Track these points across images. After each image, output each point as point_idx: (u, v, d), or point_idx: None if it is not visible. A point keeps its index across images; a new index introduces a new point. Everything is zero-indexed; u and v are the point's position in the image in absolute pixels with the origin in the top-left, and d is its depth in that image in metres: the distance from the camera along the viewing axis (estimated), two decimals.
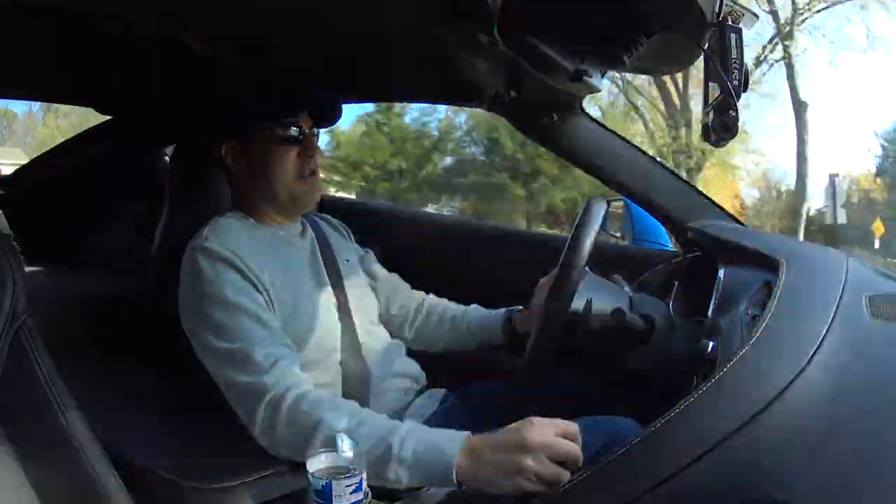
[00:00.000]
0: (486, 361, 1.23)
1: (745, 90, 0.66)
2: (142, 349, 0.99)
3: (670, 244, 1.58)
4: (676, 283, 1.06)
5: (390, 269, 1.18)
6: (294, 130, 0.94)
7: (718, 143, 0.71)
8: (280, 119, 0.94)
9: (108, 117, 1.49)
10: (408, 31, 0.94)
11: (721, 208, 1.19)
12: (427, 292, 1.18)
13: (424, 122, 10.76)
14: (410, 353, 1.07)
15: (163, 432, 0.85)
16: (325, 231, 1.09)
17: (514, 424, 0.70)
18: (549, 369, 0.87)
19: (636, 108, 10.86)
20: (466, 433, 0.72)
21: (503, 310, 1.10)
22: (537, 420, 0.69)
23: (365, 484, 0.65)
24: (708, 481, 0.52)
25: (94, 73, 1.15)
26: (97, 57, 1.05)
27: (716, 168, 10.30)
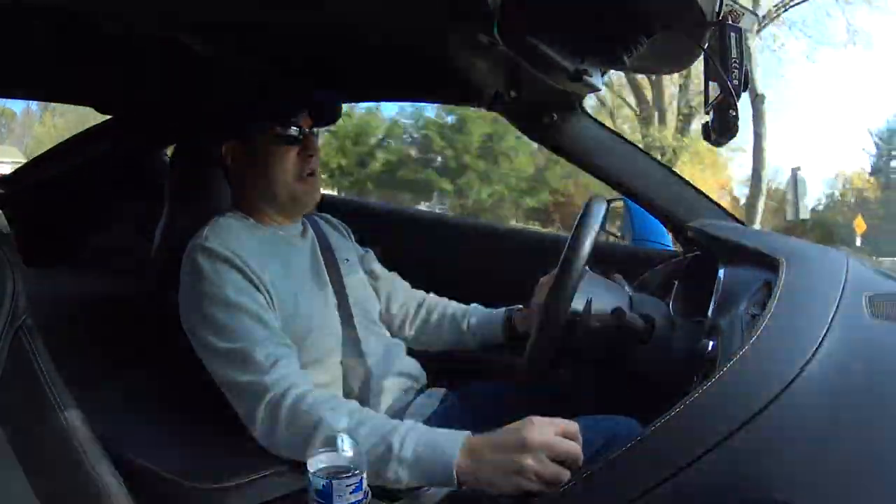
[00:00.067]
0: (486, 361, 1.23)
1: (745, 90, 0.66)
2: (142, 349, 0.99)
3: (670, 244, 1.58)
4: (676, 282, 1.06)
5: (390, 269, 1.18)
6: (294, 130, 0.94)
7: (719, 142, 0.71)
8: (280, 119, 0.94)
9: (108, 117, 1.49)
10: (408, 30, 0.94)
11: (721, 208, 1.19)
12: (427, 292, 1.18)
13: (368, 122, 11.25)
14: (410, 353, 1.07)
15: (163, 432, 0.85)
16: (325, 231, 1.09)
17: (513, 424, 0.70)
18: (548, 369, 0.87)
19: (603, 104, 11.03)
20: (466, 433, 0.72)
21: (503, 309, 1.10)
22: (537, 419, 0.69)
23: (365, 483, 0.65)
24: (708, 481, 0.52)
25: (94, 73, 1.15)
26: (97, 57, 1.05)
27: (688, 165, 10.47)
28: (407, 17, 0.88)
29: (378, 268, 1.16)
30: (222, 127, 0.97)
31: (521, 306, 1.08)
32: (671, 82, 10.55)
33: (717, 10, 0.64)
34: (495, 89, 1.12)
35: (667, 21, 0.67)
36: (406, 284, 1.18)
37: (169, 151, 1.45)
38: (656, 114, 11.24)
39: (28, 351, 0.66)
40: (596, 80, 0.67)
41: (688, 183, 1.20)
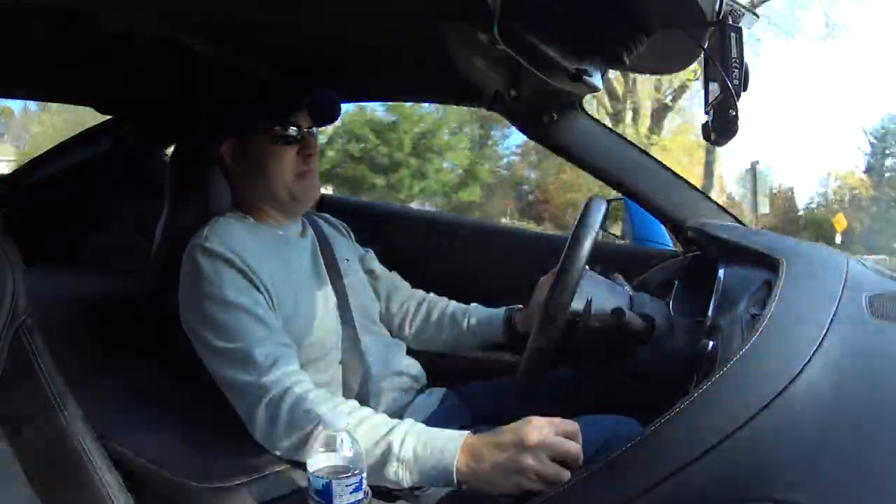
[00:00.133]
0: (487, 360, 1.23)
1: (745, 89, 0.66)
2: (142, 349, 0.99)
3: (670, 243, 1.59)
4: (676, 282, 1.06)
5: (390, 268, 1.18)
6: (293, 130, 0.95)
7: (719, 142, 0.71)
8: (279, 119, 0.94)
9: (107, 117, 1.49)
10: (408, 30, 0.94)
11: (722, 208, 1.19)
12: (427, 291, 1.18)
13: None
14: (410, 352, 1.07)
15: (163, 432, 0.85)
16: (325, 230, 1.09)
17: (513, 424, 0.70)
18: (548, 369, 0.87)
19: None
20: (466, 432, 0.72)
21: (503, 309, 1.10)
22: (537, 419, 0.69)
23: (365, 483, 0.65)
24: (708, 480, 0.52)
25: (94, 73, 1.15)
26: (97, 57, 1.05)
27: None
28: (406, 17, 0.88)
29: (378, 267, 1.16)
30: (222, 127, 0.97)
31: (521, 306, 1.08)
32: (645, 78, 10.66)
33: (717, 9, 0.64)
34: (495, 89, 1.12)
35: (667, 20, 0.67)
36: (406, 284, 1.18)
37: (169, 151, 1.45)
38: (630, 112, 11.39)
39: (28, 351, 0.66)
40: (596, 79, 0.67)
41: (688, 183, 1.20)
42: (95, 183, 1.53)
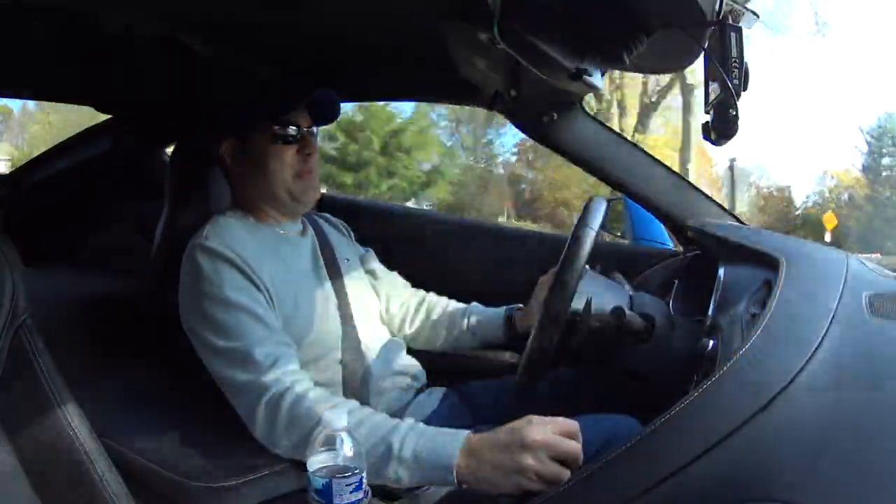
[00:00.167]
0: (486, 360, 1.23)
1: (745, 89, 0.66)
2: (142, 349, 0.99)
3: (670, 243, 1.59)
4: (677, 281, 1.06)
5: (390, 268, 1.18)
6: (292, 129, 0.95)
7: (719, 142, 0.71)
8: (278, 118, 0.94)
9: (106, 116, 1.49)
10: (408, 29, 0.94)
11: (722, 207, 1.19)
12: (427, 291, 1.18)
13: None
14: (410, 352, 1.07)
15: (163, 431, 0.85)
16: (325, 230, 1.09)
17: (513, 423, 0.70)
18: (548, 368, 0.86)
19: None
20: (466, 432, 0.72)
21: (503, 308, 1.10)
22: (537, 418, 0.69)
23: (365, 483, 0.65)
24: (708, 480, 0.52)
25: (95, 72, 1.15)
26: (97, 57, 1.05)
27: None
28: (406, 17, 0.88)
29: (378, 267, 1.16)
30: (222, 126, 0.97)
31: (520, 305, 1.08)
32: (630, 79, 10.78)
33: (717, 9, 0.64)
34: (495, 89, 1.12)
35: (667, 20, 0.67)
36: (406, 284, 1.18)
37: (169, 151, 1.45)
38: (617, 110, 11.48)
39: (28, 350, 0.66)
40: (596, 79, 0.67)
41: (688, 182, 1.20)
42: (95, 183, 1.53)
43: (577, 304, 0.83)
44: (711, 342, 0.76)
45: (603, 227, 0.88)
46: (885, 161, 14.18)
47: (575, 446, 0.67)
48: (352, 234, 1.18)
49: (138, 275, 1.10)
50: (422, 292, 1.17)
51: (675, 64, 0.82)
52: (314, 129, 0.99)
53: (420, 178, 12.58)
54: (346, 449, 0.64)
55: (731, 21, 0.65)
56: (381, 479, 0.72)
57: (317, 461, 0.64)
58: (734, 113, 0.66)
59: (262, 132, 0.94)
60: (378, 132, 11.76)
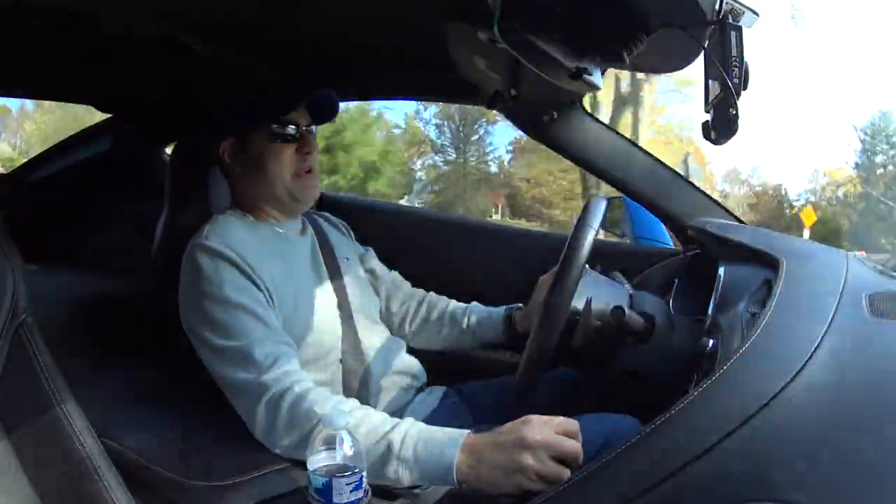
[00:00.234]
0: (486, 359, 1.23)
1: (745, 88, 0.66)
2: (142, 348, 0.99)
3: (670, 242, 1.58)
4: (676, 280, 1.06)
5: (390, 267, 1.18)
6: (291, 128, 0.95)
7: (719, 141, 0.71)
8: (278, 117, 0.94)
9: (104, 115, 1.49)
10: (408, 29, 0.94)
11: (721, 206, 1.19)
12: (427, 290, 1.18)
13: None
14: (410, 351, 1.07)
15: (163, 430, 0.85)
16: (325, 229, 1.09)
17: (513, 422, 0.70)
18: (548, 368, 0.86)
19: None
20: (466, 432, 0.72)
21: (503, 308, 1.10)
22: (536, 418, 0.69)
23: (365, 482, 0.65)
24: (708, 479, 0.52)
25: (95, 72, 1.16)
26: (97, 57, 1.05)
27: None
28: (406, 17, 0.88)
29: (378, 266, 1.16)
30: (221, 126, 0.97)
31: (520, 305, 1.08)
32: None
33: (717, 8, 0.64)
34: (495, 88, 1.12)
35: (667, 19, 0.67)
36: (406, 283, 1.18)
37: (168, 150, 1.45)
38: (589, 105, 11.62)
39: (28, 349, 0.67)
40: (596, 78, 0.67)
41: (688, 181, 1.20)
42: (95, 183, 1.53)
43: (577, 303, 0.83)
44: (711, 341, 0.76)
45: (603, 225, 0.88)
46: (879, 159, 14.18)
47: (575, 446, 0.67)
48: (352, 234, 1.18)
49: (138, 275, 1.10)
50: (422, 291, 1.17)
51: (675, 63, 0.82)
52: (313, 127, 0.99)
53: (359, 174, 13.19)
54: (346, 448, 0.64)
55: (731, 20, 0.65)
56: (381, 479, 0.72)
57: (317, 460, 0.64)
58: (734, 112, 0.66)
59: (262, 131, 0.94)
60: (321, 130, 12.21)
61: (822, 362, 0.56)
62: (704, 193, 1.20)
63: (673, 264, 1.19)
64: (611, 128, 1.22)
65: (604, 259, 1.05)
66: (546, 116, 1.14)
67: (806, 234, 10.02)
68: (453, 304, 1.15)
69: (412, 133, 16.93)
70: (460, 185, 15.96)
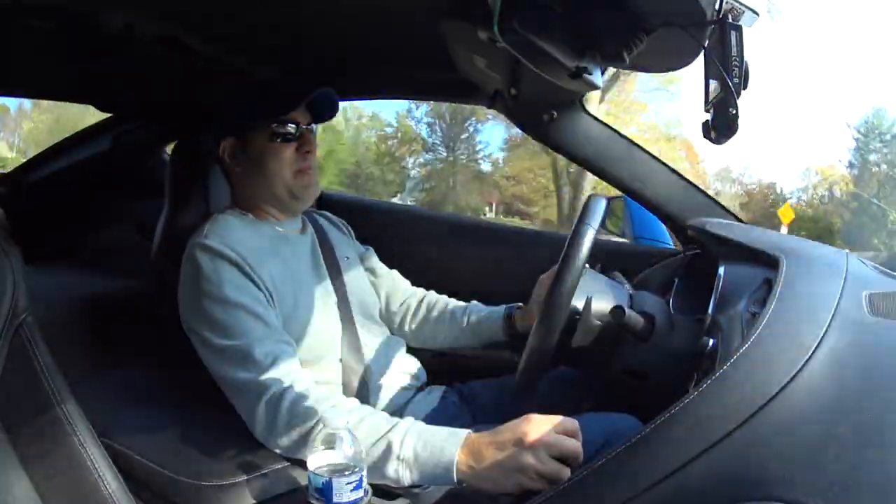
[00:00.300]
0: (486, 359, 1.23)
1: (745, 88, 0.66)
2: (142, 348, 0.99)
3: (670, 241, 1.58)
4: (676, 280, 1.06)
5: (390, 267, 1.18)
6: (291, 127, 0.95)
7: (719, 141, 0.71)
8: (278, 116, 0.94)
9: (102, 115, 1.49)
10: (408, 29, 0.94)
11: (721, 206, 1.19)
12: (427, 289, 1.18)
13: None
14: (410, 350, 1.07)
15: (163, 431, 0.86)
16: (325, 228, 1.09)
17: (513, 422, 0.70)
18: (548, 367, 0.86)
19: None
20: (466, 431, 0.72)
21: (503, 307, 1.10)
22: (536, 417, 0.69)
23: (365, 481, 0.65)
24: (708, 479, 0.52)
25: (94, 72, 1.15)
26: (97, 56, 1.05)
27: None
28: (406, 17, 0.88)
29: (378, 265, 1.16)
30: (221, 126, 0.97)
31: (520, 304, 1.08)
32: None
33: (717, 8, 0.64)
34: (495, 87, 1.12)
35: (667, 19, 0.67)
36: (406, 282, 1.18)
37: (168, 150, 1.45)
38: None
39: (28, 349, 0.67)
40: (596, 77, 0.67)
41: (688, 181, 1.20)
42: (95, 183, 1.53)
43: (577, 302, 0.83)
44: (711, 341, 0.76)
45: (602, 225, 0.88)
46: (872, 157, 14.15)
47: (575, 445, 0.67)
48: (352, 233, 1.18)
49: (138, 275, 1.10)
50: (422, 291, 1.17)
51: (675, 63, 0.82)
52: (313, 126, 0.99)
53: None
54: (346, 447, 0.64)
55: (731, 20, 0.65)
56: (381, 478, 0.72)
57: (317, 459, 0.64)
58: (734, 112, 0.66)
59: (262, 131, 0.94)
60: None
61: (822, 361, 0.56)
62: (704, 193, 1.20)
63: (673, 264, 1.19)
64: (611, 127, 1.22)
65: (604, 259, 1.05)
66: (546, 115, 1.14)
67: (783, 231, 10.02)
68: (453, 303, 1.15)
69: (404, 131, 16.95)
70: (450, 183, 16.04)
